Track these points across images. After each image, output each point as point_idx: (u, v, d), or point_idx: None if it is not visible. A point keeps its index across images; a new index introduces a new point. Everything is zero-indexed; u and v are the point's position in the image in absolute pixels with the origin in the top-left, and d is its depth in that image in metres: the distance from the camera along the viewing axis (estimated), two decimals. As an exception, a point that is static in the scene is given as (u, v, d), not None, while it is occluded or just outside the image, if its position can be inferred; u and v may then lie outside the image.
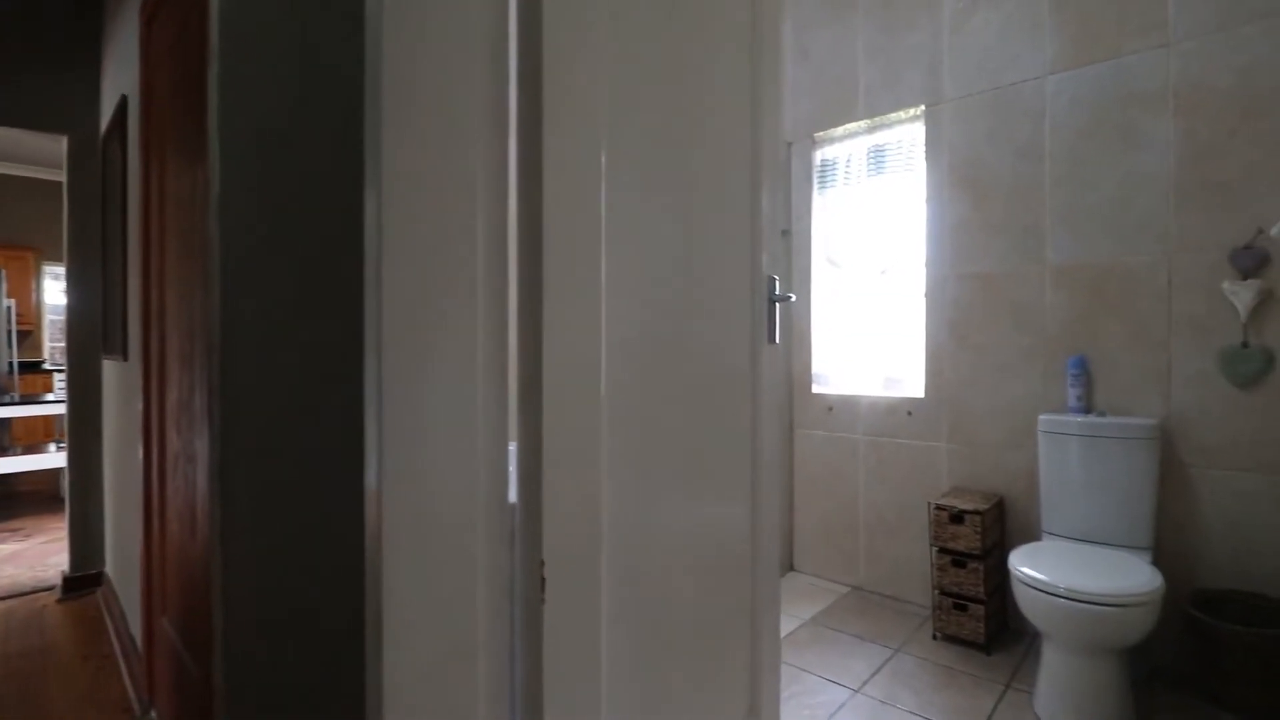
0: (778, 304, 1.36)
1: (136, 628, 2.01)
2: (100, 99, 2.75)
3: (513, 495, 0.73)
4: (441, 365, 0.65)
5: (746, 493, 1.26)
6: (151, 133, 1.81)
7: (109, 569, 2.65)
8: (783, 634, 2.29)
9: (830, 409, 2.82)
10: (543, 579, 0.72)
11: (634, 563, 0.90)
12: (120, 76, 2.32)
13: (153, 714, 1.75)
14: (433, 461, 0.64)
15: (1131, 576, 1.64)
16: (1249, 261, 1.87)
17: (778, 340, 1.38)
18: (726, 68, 1.15)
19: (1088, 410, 2.11)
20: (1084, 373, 2.13)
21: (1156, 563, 1.88)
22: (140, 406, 1.78)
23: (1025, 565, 1.74)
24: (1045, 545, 1.95)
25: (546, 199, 0.73)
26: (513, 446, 0.73)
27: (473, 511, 0.68)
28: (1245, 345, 1.88)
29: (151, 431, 1.72)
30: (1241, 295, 1.86)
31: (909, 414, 2.58)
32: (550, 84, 0.73)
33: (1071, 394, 2.13)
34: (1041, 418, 2.12)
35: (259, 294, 0.97)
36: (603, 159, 0.82)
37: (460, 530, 0.67)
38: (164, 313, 1.68)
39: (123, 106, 2.22)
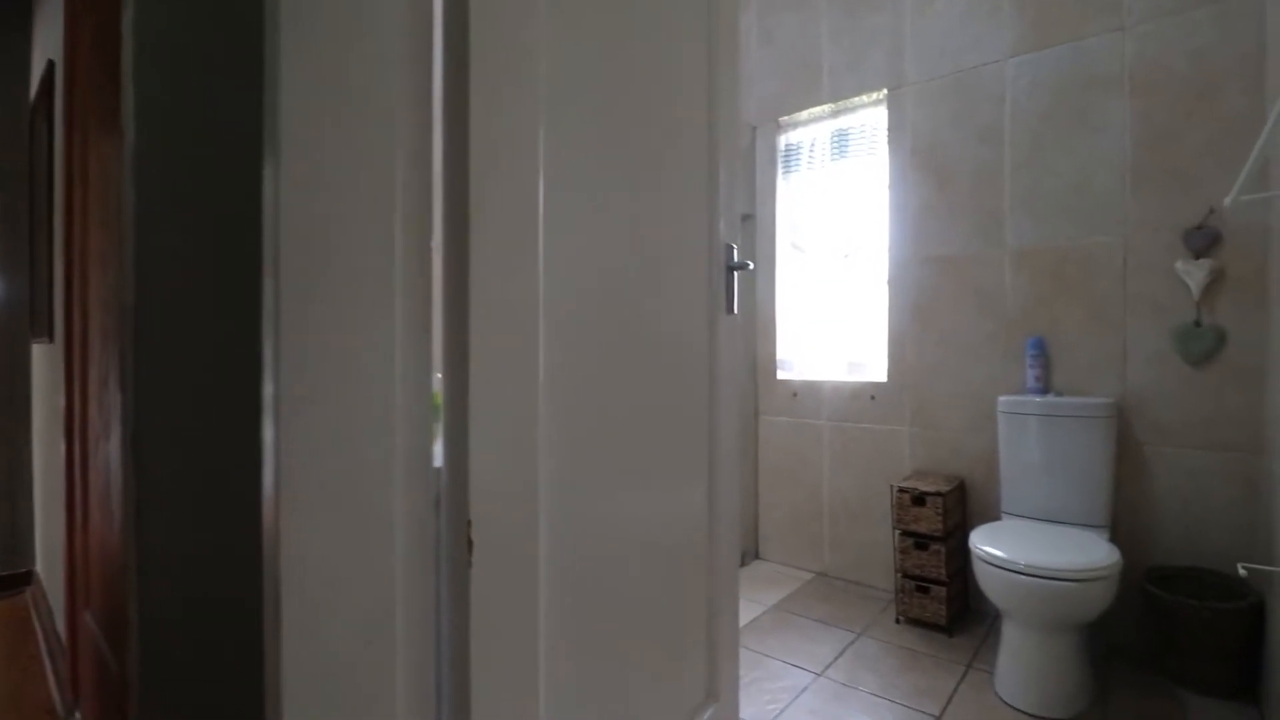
0: (736, 272, 1.33)
1: (63, 626, 1.89)
2: (30, 67, 2.59)
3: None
4: (351, 321, 0.59)
5: (703, 469, 1.22)
6: (75, 97, 1.70)
7: (38, 567, 2.50)
8: (746, 621, 2.26)
9: (795, 395, 2.80)
10: (470, 540, 0.67)
11: (579, 539, 0.85)
12: (49, 40, 2.18)
13: (77, 715, 1.64)
14: (341, 421, 0.58)
15: (1090, 552, 1.64)
16: (1201, 241, 1.89)
17: (736, 311, 1.34)
18: (678, 21, 1.11)
19: (1046, 391, 2.12)
20: (1042, 354, 2.14)
21: (1113, 540, 1.89)
22: (63, 388, 1.66)
23: (985, 544, 1.73)
24: (1005, 524, 1.96)
25: (474, 150, 0.67)
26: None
27: (389, 473, 0.62)
28: (1198, 324, 1.90)
29: (74, 413, 1.61)
30: (1194, 274, 1.89)
31: (872, 398, 2.57)
32: (479, 26, 0.67)
33: (1030, 375, 2.14)
34: (1001, 399, 2.12)
35: (173, 259, 0.89)
36: (540, 112, 0.76)
37: (374, 492, 0.60)
38: (86, 288, 1.57)
39: (50, 73, 2.08)
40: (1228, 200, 1.39)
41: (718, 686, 1.26)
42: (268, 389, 0.55)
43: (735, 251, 1.31)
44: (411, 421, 0.64)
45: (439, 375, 0.69)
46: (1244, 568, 1.35)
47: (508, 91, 0.72)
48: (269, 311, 0.55)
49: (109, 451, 1.22)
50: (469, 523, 0.67)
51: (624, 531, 0.96)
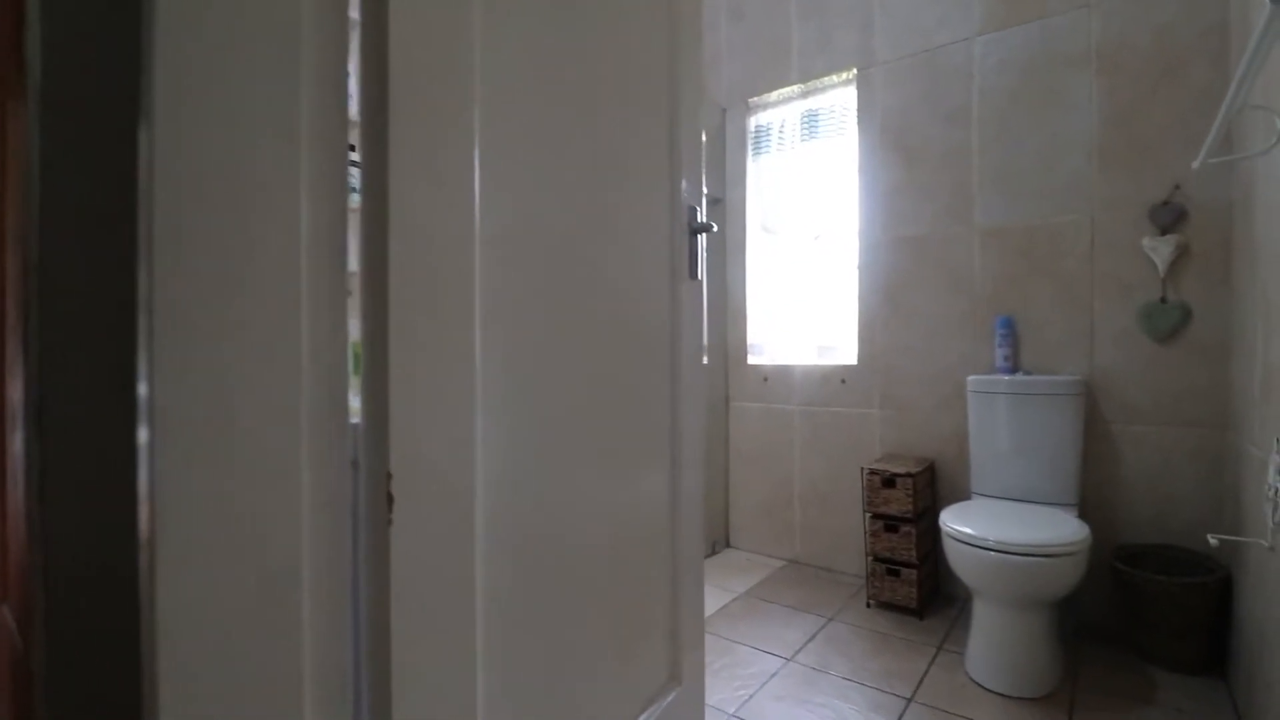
0: (700, 235, 1.27)
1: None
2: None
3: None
4: (245, 248, 0.51)
5: (665, 443, 1.16)
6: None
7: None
8: (716, 608, 2.21)
9: (766, 380, 2.76)
10: (390, 495, 0.59)
11: (525, 510, 0.78)
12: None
13: (-5, 718, 1.52)
14: (231, 369, 0.51)
15: (1059, 528, 1.62)
16: (1167, 217, 1.89)
17: (700, 276, 1.29)
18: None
19: (1015, 370, 2.11)
20: (1011, 333, 2.12)
21: (1082, 519, 1.87)
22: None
23: (955, 522, 1.70)
24: (975, 504, 1.93)
25: (394, 61, 0.60)
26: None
27: (295, 424, 0.54)
28: (1164, 300, 1.90)
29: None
30: (1160, 251, 1.88)
31: (843, 382, 2.54)
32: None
33: (999, 354, 2.12)
34: (970, 378, 2.10)
35: (74, 213, 0.80)
36: (477, 36, 0.69)
37: (273, 444, 0.53)
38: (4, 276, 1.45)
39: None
40: (1195, 163, 1.37)
41: (680, 670, 1.20)
42: (141, 326, 0.48)
43: (699, 213, 1.25)
44: (321, 375, 0.56)
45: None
46: (1214, 538, 1.34)
47: (435, 13, 0.65)
48: (143, 236, 0.48)
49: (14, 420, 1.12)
50: (389, 475, 0.60)
51: (578, 502, 0.89)
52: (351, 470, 0.61)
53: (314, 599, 0.56)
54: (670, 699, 1.16)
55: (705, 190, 1.44)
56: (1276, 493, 1.24)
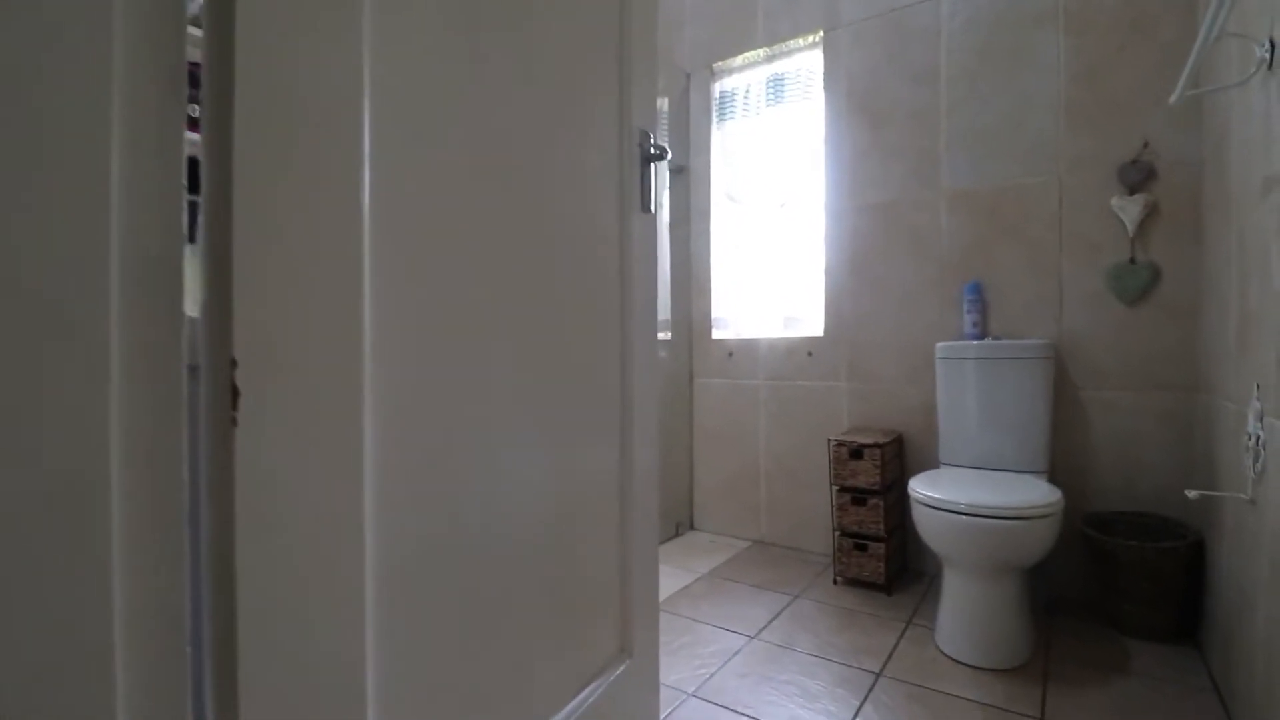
0: (654, 164, 1.16)
1: None
2: None
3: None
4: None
5: (613, 401, 1.05)
6: None
7: None
8: (678, 588, 2.11)
9: (730, 354, 2.67)
10: (234, 388, 0.46)
11: (436, 451, 0.66)
12: None
13: None
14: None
15: (1031, 492, 1.55)
16: (1136, 176, 1.84)
17: (654, 210, 1.17)
18: None
19: (984, 336, 2.05)
20: (980, 298, 2.06)
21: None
22: None
23: (925, 488, 1.62)
24: (944, 472, 1.86)
25: None
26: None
27: (105, 276, 0.41)
28: (1133, 261, 1.85)
29: None
30: (1129, 210, 1.83)
31: (809, 354, 2.45)
32: None
33: (968, 320, 2.06)
34: (939, 345, 2.03)
35: None
36: None
37: (63, 300, 0.40)
38: None
39: None
40: (1172, 98, 1.31)
41: (631, 643, 1.10)
42: None
43: (653, 138, 1.14)
44: (140, 186, 0.43)
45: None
46: (1193, 493, 1.27)
47: None
48: None
49: None
50: (233, 362, 0.47)
51: (496, 451, 0.77)
52: (188, 354, 0.47)
53: (129, 518, 0.43)
54: (620, 670, 1.05)
55: (662, 112, 1.33)
56: (1258, 440, 1.18)
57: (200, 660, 0.49)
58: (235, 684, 0.47)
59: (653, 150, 1.13)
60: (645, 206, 1.14)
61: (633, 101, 1.08)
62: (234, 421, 0.47)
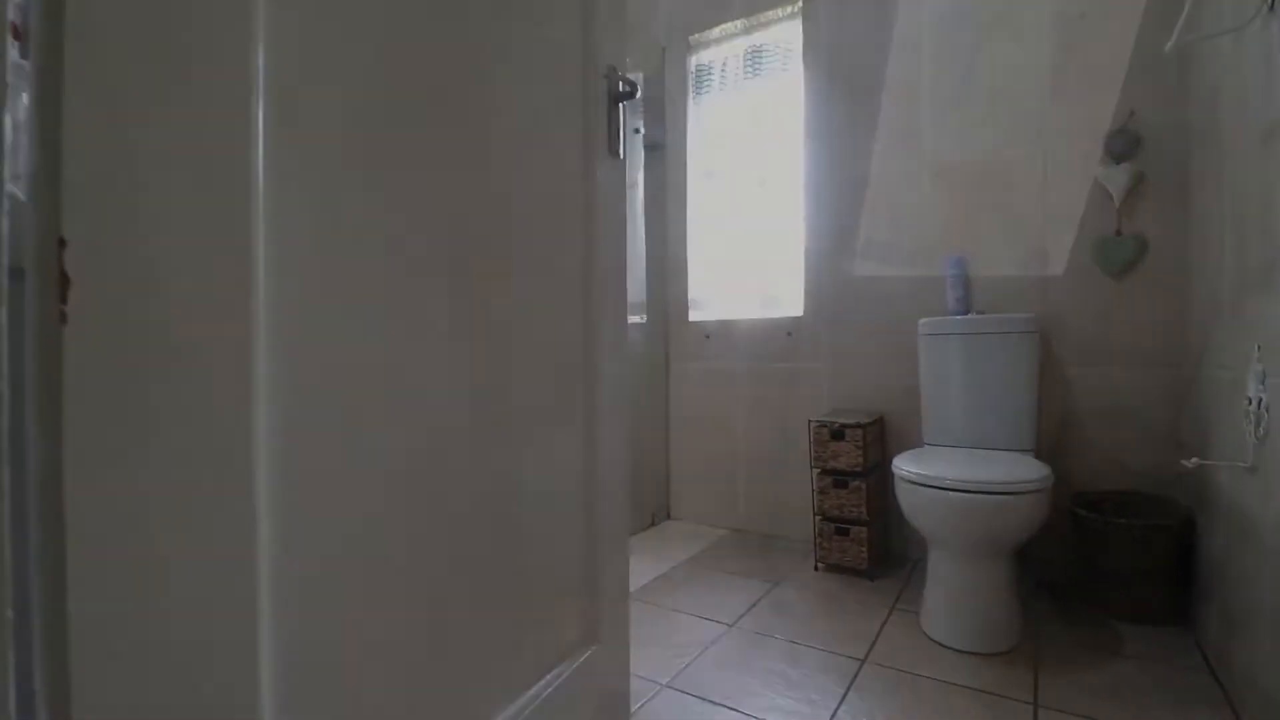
0: (622, 104, 1.06)
1: None
2: None
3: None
4: None
5: (575, 370, 0.95)
6: None
7: None
8: (653, 576, 2.01)
9: (708, 337, 2.58)
10: (63, 274, 0.36)
11: (376, 410, 0.56)
12: None
13: None
14: None
15: (1019, 468, 1.49)
16: (1122, 145, 1.79)
17: (623, 154, 1.08)
18: None
19: (967, 311, 1.98)
20: (963, 273, 2.00)
21: (1038, 464, 1.76)
22: None
23: (910, 466, 1.55)
24: (927, 451, 1.79)
25: None
26: None
27: None
28: (1119, 233, 1.80)
29: None
30: (1116, 180, 1.78)
31: (789, 334, 2.38)
32: None
33: (951, 296, 1.99)
34: (922, 321, 1.96)
35: None
36: None
37: None
38: None
39: None
40: (1168, 46, 1.24)
41: (599, 629, 1.01)
42: None
43: (619, 74, 1.04)
44: None
45: None
46: (1190, 461, 1.21)
47: None
48: None
49: None
50: (61, 241, 0.36)
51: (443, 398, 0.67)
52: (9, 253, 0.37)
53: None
54: (586, 656, 0.96)
55: (638, 85, 1.23)
56: (1259, 404, 1.12)
57: (29, 635, 0.38)
58: (67, 669, 0.37)
59: (622, 88, 1.04)
60: (613, 150, 1.04)
61: (597, 31, 0.99)
62: (63, 318, 0.36)
